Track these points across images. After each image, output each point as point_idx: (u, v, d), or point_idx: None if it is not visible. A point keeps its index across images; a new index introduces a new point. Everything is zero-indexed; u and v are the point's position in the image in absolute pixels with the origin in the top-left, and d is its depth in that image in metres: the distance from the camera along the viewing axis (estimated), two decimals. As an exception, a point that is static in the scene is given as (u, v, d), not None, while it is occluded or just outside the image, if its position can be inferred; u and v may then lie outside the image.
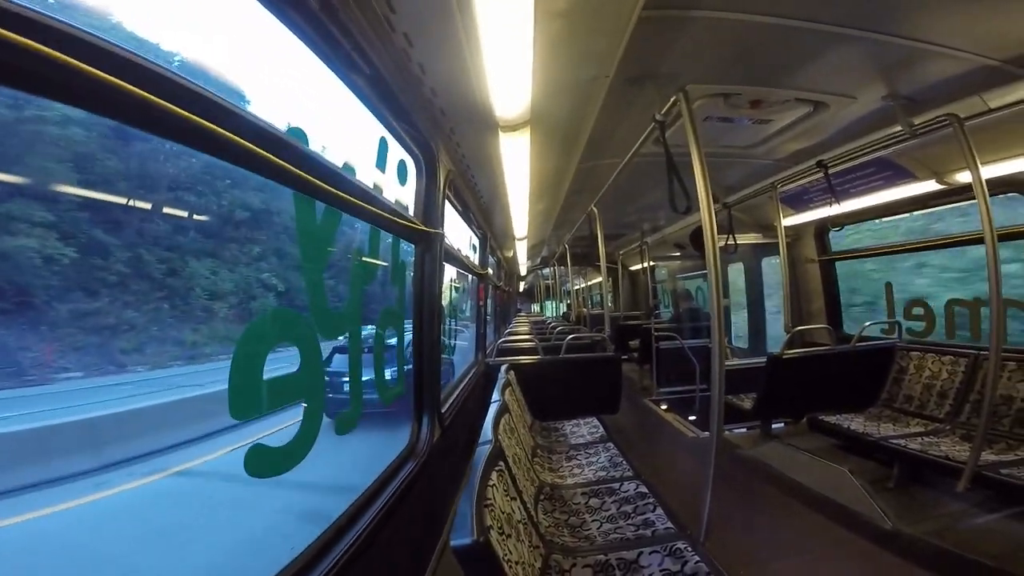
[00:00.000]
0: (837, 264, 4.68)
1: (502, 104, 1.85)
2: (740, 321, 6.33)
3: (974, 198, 2.33)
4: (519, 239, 5.82)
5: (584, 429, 3.51)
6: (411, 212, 2.09)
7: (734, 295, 6.55)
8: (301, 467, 1.12)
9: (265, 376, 0.98)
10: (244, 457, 0.99)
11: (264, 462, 1.04)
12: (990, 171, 2.50)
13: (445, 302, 3.03)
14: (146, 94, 0.68)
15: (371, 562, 1.33)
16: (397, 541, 1.62)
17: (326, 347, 1.31)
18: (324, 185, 1.15)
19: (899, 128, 2.61)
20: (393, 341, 1.92)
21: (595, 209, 4.38)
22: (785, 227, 4.06)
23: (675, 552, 1.72)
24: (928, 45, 1.98)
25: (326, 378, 1.27)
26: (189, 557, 3.38)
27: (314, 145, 1.15)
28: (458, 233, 4.19)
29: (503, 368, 3.34)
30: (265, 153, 0.92)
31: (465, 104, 1.86)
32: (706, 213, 1.97)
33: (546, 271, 15.02)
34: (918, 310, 3.89)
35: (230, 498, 3.92)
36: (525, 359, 4.06)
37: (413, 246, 2.12)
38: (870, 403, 3.60)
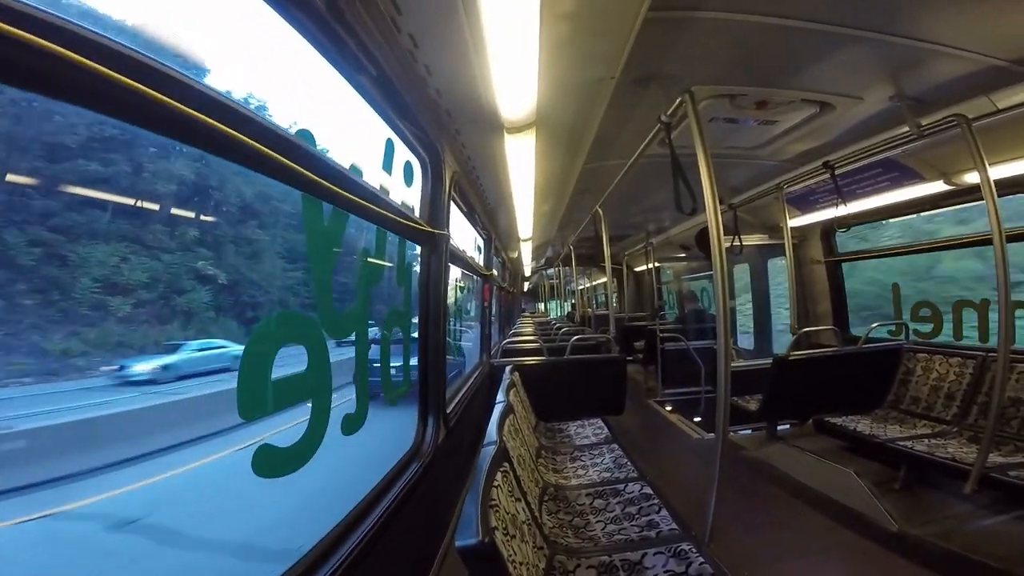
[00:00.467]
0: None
1: (507, 105, 1.86)
2: (745, 322, 6.30)
3: (982, 199, 2.31)
4: (524, 240, 5.82)
5: (589, 430, 3.50)
6: (416, 213, 2.10)
7: (739, 296, 6.53)
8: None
9: (274, 376, 0.99)
10: (252, 457, 0.99)
11: (271, 462, 1.05)
12: (998, 172, 2.49)
13: (450, 303, 3.04)
14: (155, 93, 0.69)
15: (377, 562, 1.34)
16: (402, 541, 1.63)
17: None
18: (331, 186, 1.16)
19: (906, 129, 2.60)
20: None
21: (600, 210, 4.38)
22: (791, 228, 4.04)
23: (679, 553, 1.71)
24: (935, 45, 1.97)
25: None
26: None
27: (321, 147, 1.15)
28: (463, 234, 4.20)
29: (508, 369, 3.34)
30: (273, 154, 0.93)
31: (471, 105, 1.86)
32: (712, 214, 1.96)
33: (550, 271, 15.01)
34: (925, 311, 3.86)
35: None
36: (530, 360, 4.06)
37: (417, 247, 2.13)
38: (877, 405, 3.58)
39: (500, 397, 2.55)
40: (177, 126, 0.76)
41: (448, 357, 2.42)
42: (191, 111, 0.75)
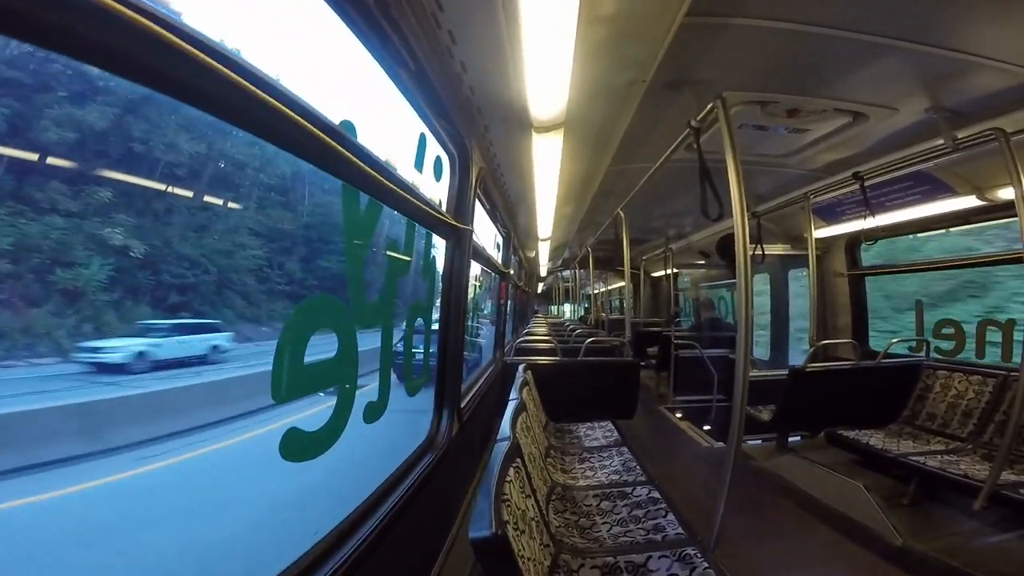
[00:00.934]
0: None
1: (538, 105, 1.87)
2: (761, 332, 6.23)
3: (1016, 215, 2.26)
4: (542, 240, 5.82)
5: (598, 432, 3.50)
6: (443, 208, 2.13)
7: (757, 307, 6.44)
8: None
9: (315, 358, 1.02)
10: (280, 441, 1.02)
11: (299, 446, 1.08)
12: None
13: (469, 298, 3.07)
14: (217, 66, 0.72)
15: (387, 550, 1.37)
16: (413, 530, 1.66)
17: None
18: (371, 173, 1.18)
19: (941, 141, 2.55)
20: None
21: (622, 213, 4.37)
22: (815, 239, 3.99)
23: (684, 558, 1.72)
24: (974, 57, 1.93)
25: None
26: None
27: (361, 138, 1.18)
28: (484, 230, 4.22)
29: (521, 367, 3.36)
30: (322, 136, 0.95)
31: (502, 103, 1.88)
32: (739, 222, 1.95)
33: (565, 273, 14.98)
34: (948, 329, 3.78)
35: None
36: (543, 360, 4.07)
37: (439, 242, 2.15)
38: (891, 420, 3.53)
39: (513, 394, 2.57)
40: (226, 106, 0.79)
41: (464, 353, 2.45)
42: (251, 87, 0.77)
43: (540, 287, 18.08)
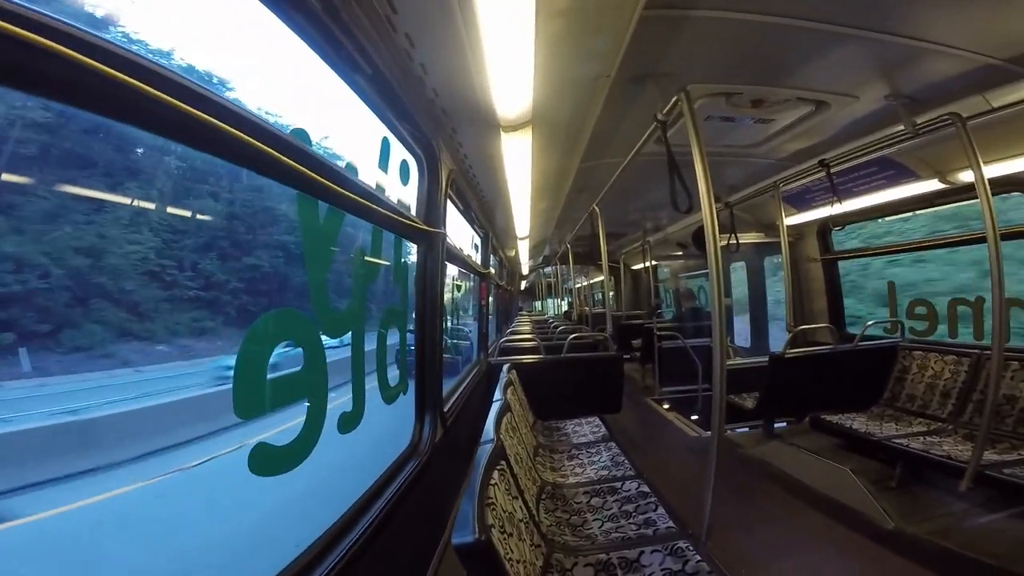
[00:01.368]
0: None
1: (504, 104, 1.86)
2: (742, 320, 6.32)
3: (976, 197, 2.32)
4: (521, 238, 5.82)
5: (586, 428, 3.50)
6: (413, 212, 2.10)
7: (736, 294, 6.54)
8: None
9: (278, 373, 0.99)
10: (248, 456, 1.00)
11: (268, 461, 1.05)
12: (993, 170, 2.50)
13: (446, 301, 3.04)
14: (152, 90, 0.69)
15: (374, 560, 1.34)
16: (399, 540, 1.63)
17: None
18: (327, 183, 1.15)
19: (901, 127, 2.61)
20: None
21: (597, 208, 4.38)
22: (788, 226, 4.06)
23: (676, 551, 1.72)
24: (930, 44, 1.98)
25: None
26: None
27: (317, 145, 1.15)
28: (460, 232, 4.19)
29: (505, 367, 3.35)
30: (270, 151, 0.93)
31: (467, 104, 1.86)
32: (707, 212, 1.97)
33: (548, 270, 15.02)
34: (921, 309, 3.88)
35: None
36: (527, 358, 4.06)
37: (414, 246, 2.13)
38: (872, 402, 3.60)
39: (497, 395, 2.55)
40: (170, 125, 0.76)
41: (445, 356, 2.42)
42: (187, 107, 0.74)
43: (523, 285, 18.10)
